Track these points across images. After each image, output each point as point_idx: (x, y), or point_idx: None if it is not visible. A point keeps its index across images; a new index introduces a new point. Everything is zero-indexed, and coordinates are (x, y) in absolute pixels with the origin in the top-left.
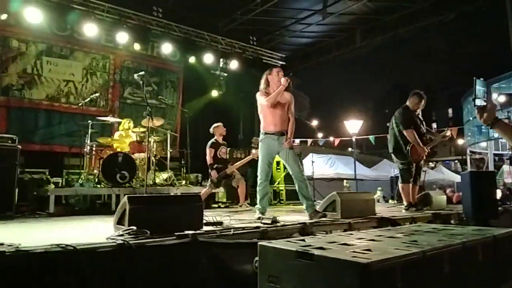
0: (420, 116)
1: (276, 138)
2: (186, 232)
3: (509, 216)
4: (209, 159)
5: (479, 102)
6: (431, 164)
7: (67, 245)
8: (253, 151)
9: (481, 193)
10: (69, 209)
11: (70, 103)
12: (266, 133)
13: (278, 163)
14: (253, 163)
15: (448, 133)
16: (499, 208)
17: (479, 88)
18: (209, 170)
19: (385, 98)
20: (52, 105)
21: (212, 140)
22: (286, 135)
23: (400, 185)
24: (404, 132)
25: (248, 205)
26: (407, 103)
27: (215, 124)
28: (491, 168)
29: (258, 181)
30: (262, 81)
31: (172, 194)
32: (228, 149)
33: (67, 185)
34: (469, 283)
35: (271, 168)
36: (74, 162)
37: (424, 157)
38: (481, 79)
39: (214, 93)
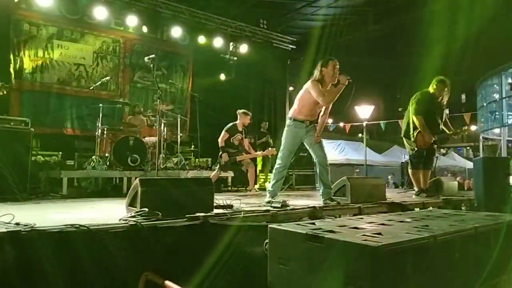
0: (444, 102)
1: (305, 126)
2: (197, 214)
3: None
4: (220, 141)
5: None
6: (443, 151)
7: (80, 225)
8: (269, 148)
9: (494, 179)
10: (82, 191)
11: (81, 87)
12: (295, 120)
13: None
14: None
15: (461, 133)
16: None
17: None
18: (220, 152)
19: (397, 83)
20: (63, 89)
21: (231, 124)
22: (315, 126)
23: (410, 170)
24: (413, 117)
25: (258, 190)
26: (430, 89)
27: (242, 110)
28: (504, 154)
29: (276, 166)
30: (317, 71)
31: (182, 177)
32: (248, 139)
33: (79, 167)
34: (480, 268)
35: (292, 155)
36: (85, 146)
37: (435, 144)
38: None
39: (224, 77)
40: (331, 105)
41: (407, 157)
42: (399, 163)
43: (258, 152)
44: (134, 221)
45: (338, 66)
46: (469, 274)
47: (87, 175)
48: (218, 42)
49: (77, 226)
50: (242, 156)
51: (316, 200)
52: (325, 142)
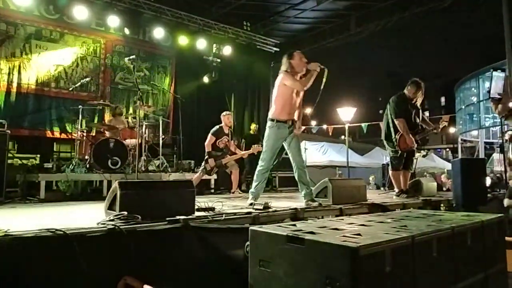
0: (418, 104)
1: (287, 127)
2: (178, 217)
3: (497, 202)
4: (207, 145)
5: (494, 94)
6: (423, 152)
7: (57, 230)
8: (254, 145)
9: (471, 180)
10: (60, 194)
11: (61, 88)
12: (278, 121)
13: None
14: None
15: (442, 124)
16: (488, 195)
17: (496, 80)
18: (206, 156)
19: (378, 86)
20: (42, 90)
21: (217, 127)
22: (295, 124)
23: (390, 172)
24: (395, 121)
25: (241, 192)
26: (405, 91)
27: (224, 112)
28: (481, 156)
29: (259, 168)
30: (285, 64)
31: (164, 179)
32: (233, 141)
33: (58, 170)
34: (458, 267)
35: (275, 157)
36: (64, 148)
37: (414, 147)
38: (499, 71)
39: (207, 80)
40: (300, 99)
41: (388, 159)
42: (380, 164)
43: (243, 152)
44: (113, 225)
45: (303, 57)
46: (447, 273)
47: (65, 178)
48: (201, 43)
49: (53, 230)
50: (227, 158)
51: (298, 202)
52: (308, 144)
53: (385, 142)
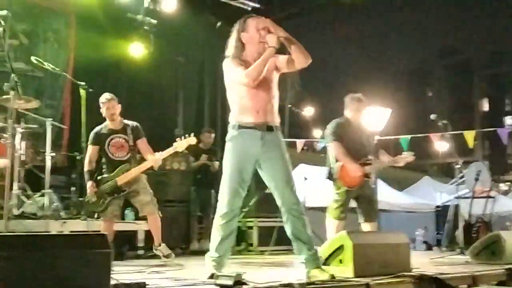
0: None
1: (259, 135)
2: None
3: None
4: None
5: None
6: (503, 187)
7: None
8: (178, 140)
9: None
10: None
11: None
12: (240, 127)
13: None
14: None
15: (410, 158)
16: None
17: None
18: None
19: (426, 71)
20: None
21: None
22: (277, 130)
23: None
24: (328, 146)
25: (165, 252)
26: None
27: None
28: None
29: (218, 212)
30: (232, 42)
31: (54, 232)
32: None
33: None
34: None
35: (245, 189)
36: None
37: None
38: None
39: (135, 53)
40: (272, 83)
41: (445, 198)
42: (432, 207)
43: (146, 163)
44: None
45: (264, 23)
46: None
47: None
48: None
49: None
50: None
51: (294, 271)
52: (309, 170)
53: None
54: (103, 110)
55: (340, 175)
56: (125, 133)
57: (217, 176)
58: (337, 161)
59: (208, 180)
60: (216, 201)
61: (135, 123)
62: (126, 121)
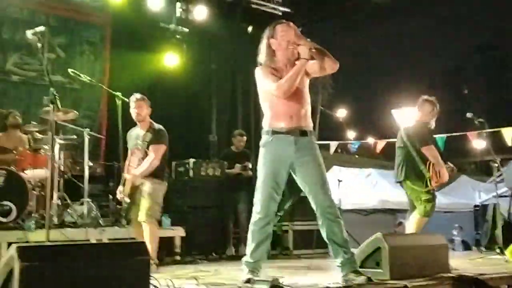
0: (432, 127)
1: (293, 140)
2: None
3: None
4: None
5: None
6: None
7: None
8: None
9: None
10: None
11: None
12: (274, 132)
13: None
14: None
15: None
16: None
17: None
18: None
19: (461, 69)
20: None
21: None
22: (311, 134)
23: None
24: (423, 150)
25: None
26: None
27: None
28: None
29: (253, 217)
30: (262, 48)
31: (94, 241)
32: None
33: None
34: None
35: (279, 194)
36: None
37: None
38: None
39: (168, 62)
40: (304, 87)
41: (483, 197)
42: (471, 206)
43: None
44: None
45: (293, 32)
46: None
47: None
48: (155, 1)
49: None
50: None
51: (330, 275)
52: (343, 172)
53: (405, 184)
54: (131, 110)
55: (433, 177)
56: (145, 137)
57: (252, 181)
58: (428, 164)
59: (242, 185)
60: (251, 206)
61: (157, 127)
62: (154, 124)
